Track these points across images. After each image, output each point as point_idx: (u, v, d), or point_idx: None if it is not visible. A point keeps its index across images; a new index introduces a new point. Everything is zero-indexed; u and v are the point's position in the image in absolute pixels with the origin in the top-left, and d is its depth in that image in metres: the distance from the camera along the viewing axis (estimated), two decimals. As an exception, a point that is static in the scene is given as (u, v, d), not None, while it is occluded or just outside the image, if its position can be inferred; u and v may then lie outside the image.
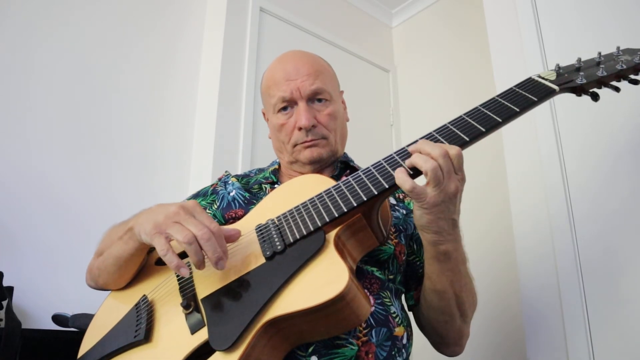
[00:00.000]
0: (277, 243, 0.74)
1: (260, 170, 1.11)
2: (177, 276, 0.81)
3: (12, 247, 1.36)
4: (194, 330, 0.70)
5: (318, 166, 1.01)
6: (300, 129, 0.97)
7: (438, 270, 0.82)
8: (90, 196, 1.54)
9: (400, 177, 0.71)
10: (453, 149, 0.72)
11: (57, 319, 1.09)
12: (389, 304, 0.86)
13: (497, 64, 1.70)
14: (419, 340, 0.97)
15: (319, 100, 0.99)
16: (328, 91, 1.01)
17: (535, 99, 0.77)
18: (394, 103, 2.49)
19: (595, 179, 1.36)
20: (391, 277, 0.91)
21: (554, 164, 1.44)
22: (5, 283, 1.19)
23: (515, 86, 0.81)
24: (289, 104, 0.99)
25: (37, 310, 1.33)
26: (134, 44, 1.78)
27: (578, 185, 1.39)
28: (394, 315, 0.85)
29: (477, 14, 2.05)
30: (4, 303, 1.15)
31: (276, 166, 1.08)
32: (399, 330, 0.84)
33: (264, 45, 2.00)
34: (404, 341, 0.85)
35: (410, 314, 0.98)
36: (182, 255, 0.72)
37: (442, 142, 0.75)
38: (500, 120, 0.75)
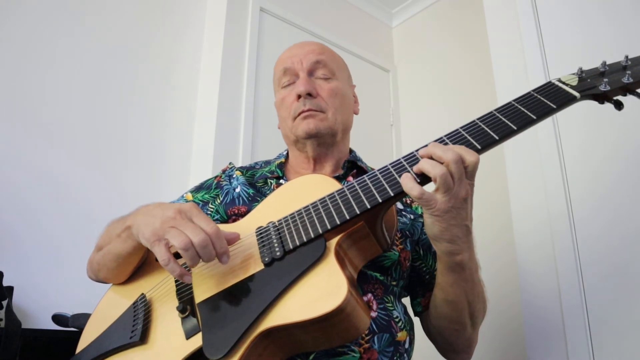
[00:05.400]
0: (277, 249, 0.72)
1: (267, 163, 1.09)
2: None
3: (12, 247, 1.36)
4: (189, 335, 0.70)
5: (317, 143, 0.98)
6: (299, 97, 0.96)
7: (452, 281, 0.79)
8: (91, 195, 1.54)
9: (408, 183, 0.68)
10: (471, 156, 0.68)
11: (57, 319, 1.09)
12: (392, 308, 0.85)
13: (498, 64, 1.70)
14: (420, 342, 0.96)
15: (322, 74, 0.99)
16: (331, 67, 1.00)
17: (554, 107, 0.71)
18: (394, 103, 2.49)
19: (595, 178, 1.36)
20: (394, 282, 0.89)
21: (554, 163, 1.44)
22: (6, 283, 1.19)
23: (534, 90, 0.75)
24: (290, 77, 0.99)
25: (37, 310, 1.33)
26: (136, 45, 1.78)
27: (578, 185, 1.39)
28: (397, 320, 0.84)
29: (477, 14, 2.05)
30: (4, 303, 1.15)
31: (283, 159, 1.05)
32: (401, 335, 0.83)
33: (264, 45, 2.00)
34: (406, 346, 0.84)
35: (415, 319, 0.96)
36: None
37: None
38: (515, 128, 0.70)
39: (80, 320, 1.06)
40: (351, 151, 1.07)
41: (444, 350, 0.93)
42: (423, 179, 0.69)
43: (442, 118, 2.23)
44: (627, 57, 0.75)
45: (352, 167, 1.03)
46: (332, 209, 0.73)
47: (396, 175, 0.71)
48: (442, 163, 0.68)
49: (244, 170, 1.05)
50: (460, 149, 0.69)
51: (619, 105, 0.74)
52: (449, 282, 0.80)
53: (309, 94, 0.96)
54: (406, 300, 0.96)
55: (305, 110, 0.95)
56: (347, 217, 0.70)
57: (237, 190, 0.98)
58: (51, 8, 1.60)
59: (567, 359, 1.29)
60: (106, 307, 0.85)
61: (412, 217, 0.97)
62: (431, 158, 0.69)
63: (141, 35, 1.80)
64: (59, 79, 1.57)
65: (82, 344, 0.80)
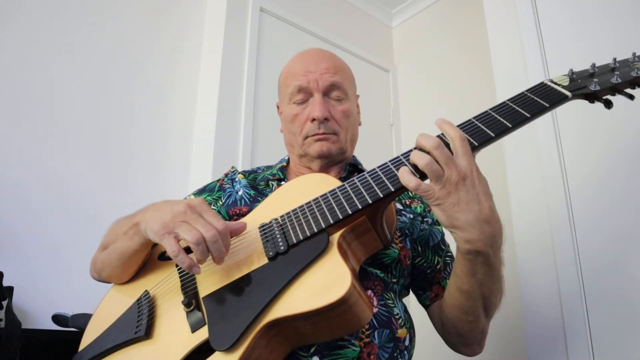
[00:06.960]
0: (281, 243, 0.73)
1: (269, 167, 1.11)
2: (180, 273, 0.81)
3: (12, 247, 1.36)
4: (194, 328, 0.70)
5: (326, 162, 1.00)
6: (313, 120, 0.97)
7: (466, 269, 0.77)
8: (91, 195, 1.54)
9: (405, 176, 0.70)
10: (450, 130, 0.71)
11: (57, 319, 1.09)
12: (392, 305, 0.86)
13: (498, 64, 1.70)
14: (420, 342, 0.96)
15: (336, 96, 0.99)
16: (344, 89, 1.01)
17: (547, 105, 0.75)
18: (394, 103, 2.49)
19: (594, 175, 1.36)
20: (394, 280, 0.90)
21: (553, 160, 1.44)
22: (6, 283, 1.19)
23: (527, 90, 0.79)
24: (304, 95, 0.99)
25: (37, 310, 1.33)
26: (136, 45, 1.78)
27: (577, 182, 1.39)
28: (397, 317, 0.85)
29: (477, 14, 2.05)
30: (4, 303, 1.15)
31: (284, 163, 1.07)
32: (401, 332, 0.84)
33: (264, 45, 2.00)
34: (406, 343, 0.85)
35: (417, 316, 0.96)
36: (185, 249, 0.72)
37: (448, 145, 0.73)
38: (510, 125, 0.74)
39: (80, 320, 1.06)
40: (353, 156, 1.10)
41: (455, 343, 0.92)
42: (422, 172, 0.71)
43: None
44: (615, 59, 0.80)
45: (354, 170, 1.05)
46: (334, 204, 0.74)
47: (395, 171, 0.73)
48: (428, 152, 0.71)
49: (246, 173, 1.07)
50: (441, 128, 0.73)
51: (608, 104, 0.78)
52: (463, 270, 0.78)
53: (325, 119, 0.97)
54: (407, 300, 0.97)
55: (319, 133, 0.97)
56: (350, 212, 0.72)
57: (240, 192, 1.00)
58: (51, 9, 1.60)
59: (567, 359, 1.29)
60: (109, 305, 0.85)
61: (411, 216, 0.99)
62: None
63: (141, 36, 1.80)
64: (60, 79, 1.57)
65: (85, 342, 0.80)
